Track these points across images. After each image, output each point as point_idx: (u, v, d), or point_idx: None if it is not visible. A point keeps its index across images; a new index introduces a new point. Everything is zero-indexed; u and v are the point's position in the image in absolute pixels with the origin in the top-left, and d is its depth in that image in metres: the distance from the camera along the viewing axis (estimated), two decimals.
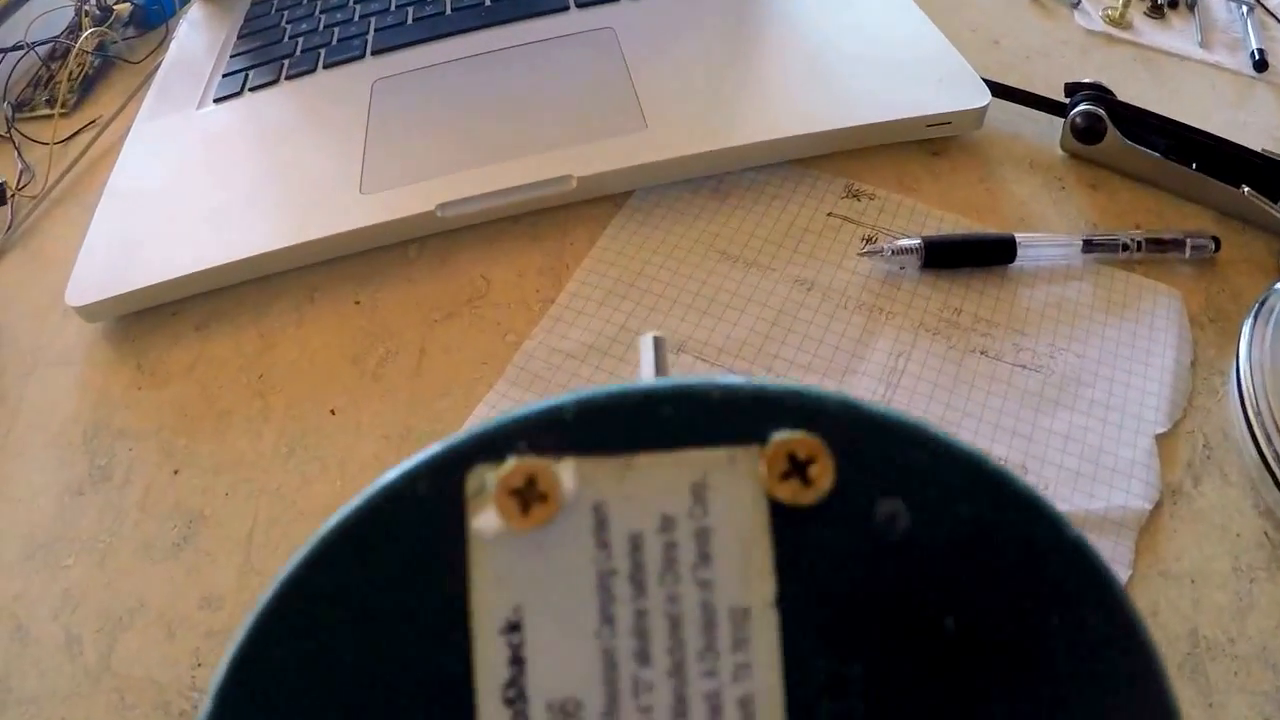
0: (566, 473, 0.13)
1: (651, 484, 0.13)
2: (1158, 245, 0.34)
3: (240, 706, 0.13)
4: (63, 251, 0.41)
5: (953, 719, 0.13)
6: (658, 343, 0.18)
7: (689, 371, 0.32)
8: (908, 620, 0.13)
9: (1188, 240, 0.34)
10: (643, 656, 0.13)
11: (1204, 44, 0.45)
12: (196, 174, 0.41)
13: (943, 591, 0.13)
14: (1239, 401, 0.30)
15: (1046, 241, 0.34)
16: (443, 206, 0.36)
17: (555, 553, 0.13)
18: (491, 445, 0.13)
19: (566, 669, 0.13)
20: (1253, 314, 0.32)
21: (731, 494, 0.13)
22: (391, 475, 0.13)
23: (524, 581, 0.13)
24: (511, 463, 0.13)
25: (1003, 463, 0.14)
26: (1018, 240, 0.34)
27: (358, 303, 0.36)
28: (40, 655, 0.28)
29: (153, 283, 0.36)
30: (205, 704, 0.13)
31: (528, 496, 0.13)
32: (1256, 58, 0.44)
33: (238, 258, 0.35)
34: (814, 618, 0.13)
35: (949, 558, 0.13)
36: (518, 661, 0.13)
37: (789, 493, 0.13)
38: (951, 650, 0.13)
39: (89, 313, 0.36)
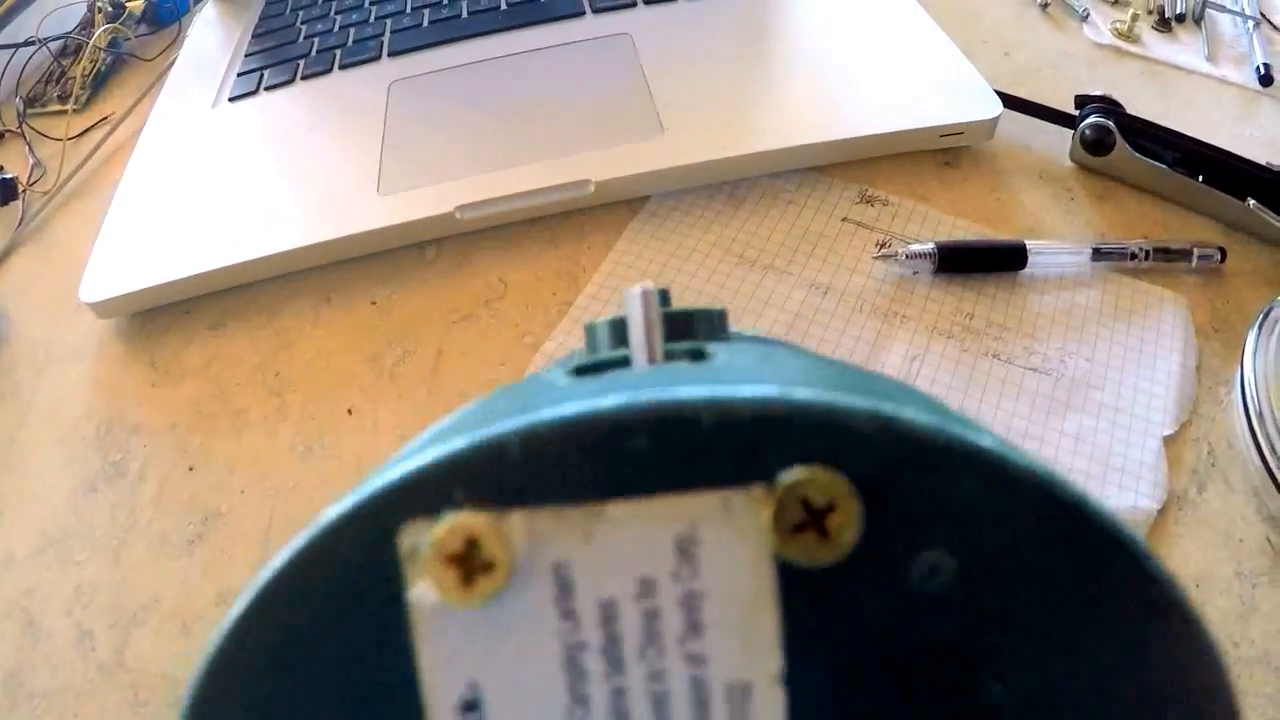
0: (516, 531, 0.10)
1: (625, 540, 0.10)
2: (1165, 254, 0.35)
3: None
4: (74, 248, 0.41)
5: None
6: (646, 299, 0.13)
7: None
8: (946, 693, 0.11)
9: (1194, 250, 0.34)
10: None
11: (1211, 58, 0.45)
12: (212, 172, 0.41)
13: (992, 652, 0.10)
14: (1243, 410, 0.30)
15: (1056, 249, 0.35)
16: (461, 209, 0.36)
17: (510, 624, 0.11)
18: (420, 495, 0.10)
19: None
20: (1257, 325, 0.32)
21: (727, 551, 0.10)
22: (314, 529, 0.11)
23: (478, 657, 0.11)
24: (445, 523, 0.10)
25: (1076, 482, 0.11)
26: (1029, 247, 0.34)
27: (374, 303, 0.36)
28: (52, 651, 0.28)
29: (167, 280, 0.36)
30: None
31: (470, 564, 0.10)
32: (1262, 72, 0.44)
33: (254, 256, 0.35)
34: (830, 695, 0.11)
35: (1000, 614, 0.10)
36: None
37: (802, 552, 0.10)
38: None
39: (103, 309, 0.36)
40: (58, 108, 0.51)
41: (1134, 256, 0.34)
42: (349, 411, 0.33)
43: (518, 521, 0.10)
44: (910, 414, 0.10)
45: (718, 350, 0.14)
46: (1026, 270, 0.35)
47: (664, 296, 0.19)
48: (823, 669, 0.10)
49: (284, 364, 0.35)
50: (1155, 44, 0.46)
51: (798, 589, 0.10)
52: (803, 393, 0.10)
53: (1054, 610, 0.10)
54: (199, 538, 0.30)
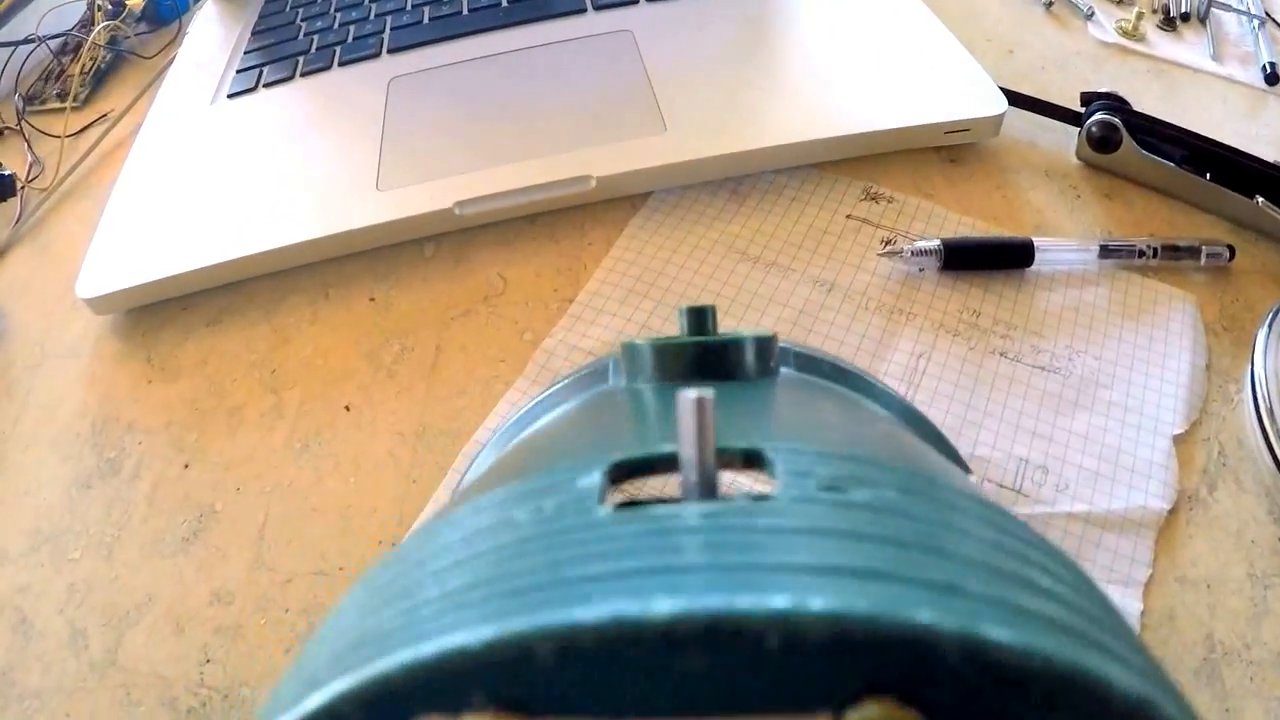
0: None
1: None
2: (1173, 252, 0.34)
3: None
4: (71, 245, 0.40)
5: None
6: (702, 407, 0.12)
7: None
8: None
9: (1203, 248, 0.34)
10: None
11: (1216, 57, 0.45)
12: (210, 168, 0.40)
13: None
14: (1254, 410, 0.30)
15: (1064, 246, 0.34)
16: (461, 204, 0.35)
17: None
18: (435, 687, 0.09)
19: None
20: (1267, 324, 0.32)
21: None
22: (308, 705, 0.09)
23: None
24: None
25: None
26: (1036, 244, 0.34)
27: (373, 300, 0.36)
28: (45, 649, 0.28)
29: (164, 276, 0.35)
30: None
31: None
32: (1268, 70, 0.44)
33: (251, 252, 0.35)
34: None
35: None
36: None
37: None
38: None
39: (99, 305, 0.36)
40: (57, 105, 0.51)
41: (1142, 254, 0.34)
42: (346, 408, 0.33)
43: None
44: (999, 632, 0.08)
45: (775, 457, 0.12)
46: (1033, 268, 0.34)
47: (710, 314, 0.17)
48: None
49: (281, 361, 0.35)
50: (1160, 42, 0.46)
51: None
52: (888, 604, 0.08)
53: None
54: (193, 536, 0.30)
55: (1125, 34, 0.46)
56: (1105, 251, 0.34)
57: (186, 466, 0.32)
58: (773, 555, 0.09)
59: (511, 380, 0.32)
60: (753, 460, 0.12)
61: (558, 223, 0.38)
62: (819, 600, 0.08)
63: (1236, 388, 0.31)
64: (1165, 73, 0.44)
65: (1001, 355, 0.32)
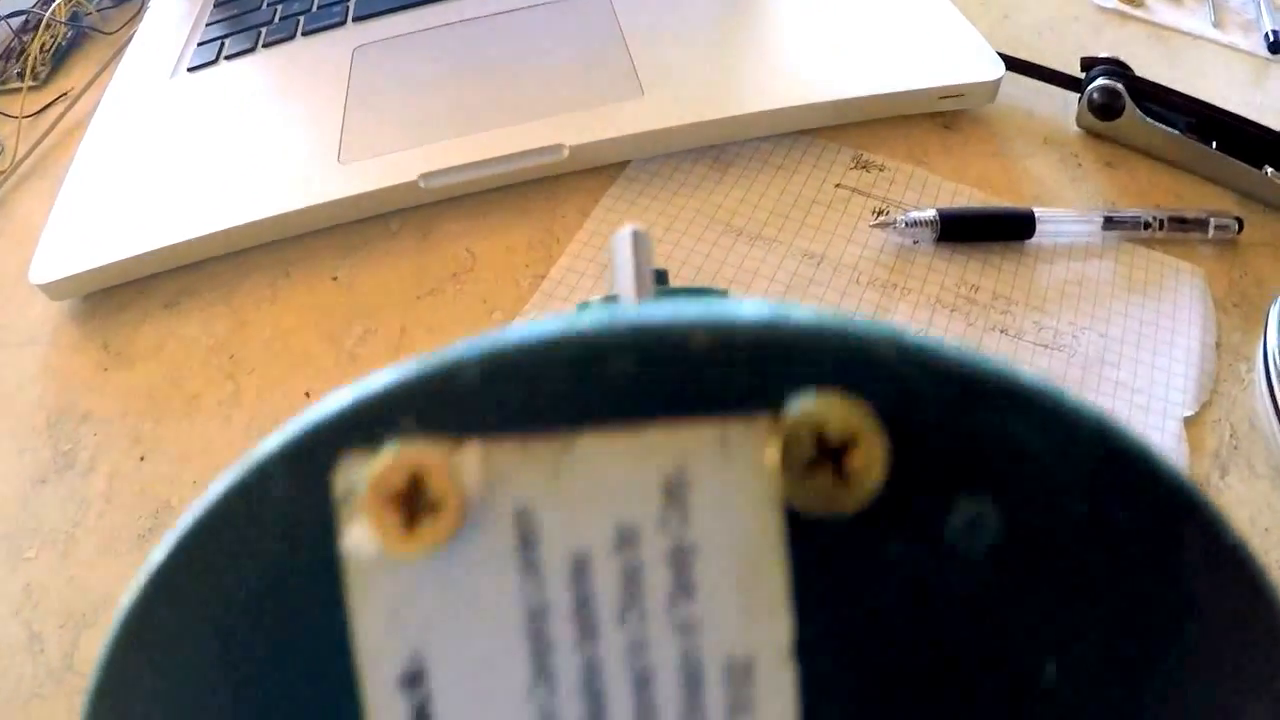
0: (470, 465, 0.09)
1: (600, 478, 0.09)
2: (1180, 224, 0.33)
3: None
4: (30, 228, 0.39)
5: None
6: (638, 240, 0.12)
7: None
8: (991, 676, 0.09)
9: (1211, 220, 0.33)
10: None
11: (1217, 24, 0.44)
12: (168, 145, 0.39)
13: (1042, 627, 0.09)
14: (1267, 391, 0.28)
15: (1066, 217, 0.33)
16: (425, 177, 0.34)
17: (462, 580, 0.09)
18: (363, 423, 0.09)
19: None
20: (1279, 300, 0.30)
21: (724, 494, 0.09)
22: (242, 469, 0.09)
23: (423, 619, 0.09)
24: (387, 453, 0.09)
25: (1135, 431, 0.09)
26: (1037, 215, 0.32)
27: (335, 279, 0.35)
28: (0, 654, 0.26)
29: (120, 258, 0.34)
30: None
31: (413, 505, 0.09)
32: (1271, 39, 0.43)
33: (207, 232, 0.34)
34: (852, 676, 0.09)
35: (1054, 579, 0.09)
36: None
37: (815, 497, 0.08)
38: (1053, 713, 0.09)
39: (54, 290, 0.35)
40: (17, 85, 0.49)
41: (1147, 226, 0.33)
42: (306, 394, 0.31)
43: (472, 453, 0.09)
44: (938, 341, 0.09)
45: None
46: (1034, 240, 0.33)
47: (661, 276, 0.17)
48: (840, 644, 0.09)
49: (239, 345, 0.33)
50: (1160, 8, 0.45)
51: (810, 544, 0.09)
52: (814, 315, 0.09)
53: (1116, 579, 0.09)
54: (149, 533, 0.29)
55: None
56: (1109, 223, 0.33)
57: (142, 459, 0.31)
58: (705, 305, 0.09)
59: None
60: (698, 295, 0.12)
61: (529, 194, 0.36)
62: (750, 308, 0.09)
63: (1248, 366, 0.30)
64: (1166, 39, 0.43)
65: (1002, 332, 0.31)
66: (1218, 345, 0.30)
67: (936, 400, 0.09)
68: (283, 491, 0.09)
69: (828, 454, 0.08)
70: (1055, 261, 0.33)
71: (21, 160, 0.44)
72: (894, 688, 0.09)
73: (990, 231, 0.33)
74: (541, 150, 0.34)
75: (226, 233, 0.34)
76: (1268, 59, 0.42)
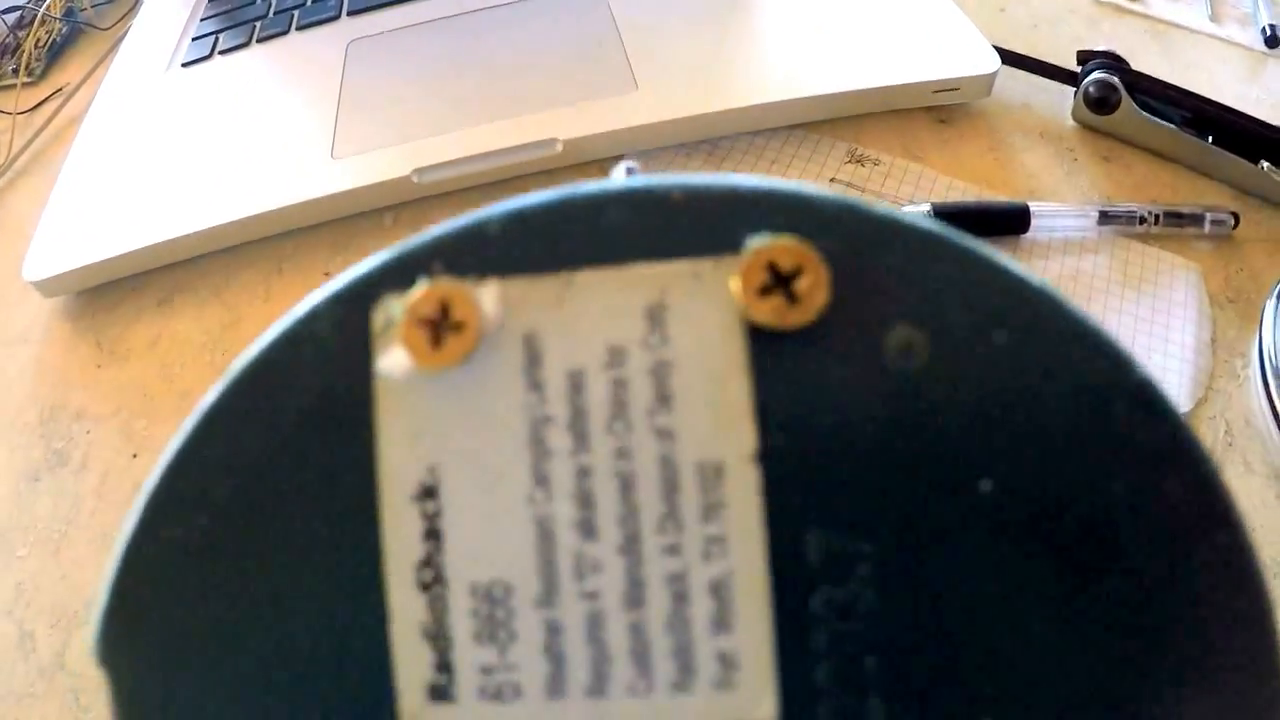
0: (488, 296, 0.11)
1: (595, 307, 0.11)
2: (1176, 219, 0.33)
3: (134, 594, 0.11)
4: (24, 225, 0.39)
5: (990, 614, 0.10)
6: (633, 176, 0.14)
7: None
8: (931, 483, 0.10)
9: (1207, 215, 0.33)
10: (586, 528, 0.10)
11: (1214, 18, 0.44)
12: (161, 141, 0.39)
13: (975, 445, 0.10)
14: (1262, 387, 0.28)
15: (1061, 212, 0.33)
16: (419, 171, 0.34)
17: (477, 396, 0.11)
18: (402, 269, 0.11)
19: (493, 544, 0.10)
20: (1275, 295, 0.30)
21: (697, 317, 0.10)
22: (295, 312, 0.11)
23: (440, 435, 0.11)
24: (421, 287, 0.11)
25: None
26: (1032, 210, 0.32)
27: (328, 274, 0.34)
28: None
29: (113, 255, 0.34)
30: (100, 597, 0.12)
31: (440, 327, 0.11)
32: (1268, 33, 0.42)
33: (200, 228, 0.34)
34: (808, 477, 0.10)
35: (982, 401, 0.10)
36: (434, 535, 0.10)
37: (771, 312, 0.10)
38: (988, 523, 0.10)
39: (47, 287, 0.35)
40: (12, 81, 0.49)
41: (1143, 220, 0.33)
42: None
43: (490, 286, 0.11)
44: (877, 204, 0.11)
45: None
46: (1029, 234, 0.33)
47: None
48: (800, 448, 0.10)
49: (232, 342, 0.33)
50: (1157, 2, 0.45)
51: (769, 356, 0.10)
52: (773, 181, 0.11)
53: (1030, 407, 0.10)
54: None
55: None
56: (1104, 217, 0.33)
57: (135, 456, 0.30)
58: None
59: None
60: None
61: (523, 189, 0.36)
62: (720, 179, 0.11)
63: (1243, 363, 0.30)
64: (1162, 33, 0.43)
65: None
66: (1213, 341, 0.30)
67: (870, 245, 0.10)
68: (328, 329, 0.11)
69: (781, 281, 0.10)
70: (1050, 256, 0.32)
71: (16, 156, 0.44)
72: (845, 487, 0.10)
73: (985, 226, 0.33)
74: (535, 145, 0.34)
75: (220, 229, 0.34)
76: (1264, 53, 0.42)
